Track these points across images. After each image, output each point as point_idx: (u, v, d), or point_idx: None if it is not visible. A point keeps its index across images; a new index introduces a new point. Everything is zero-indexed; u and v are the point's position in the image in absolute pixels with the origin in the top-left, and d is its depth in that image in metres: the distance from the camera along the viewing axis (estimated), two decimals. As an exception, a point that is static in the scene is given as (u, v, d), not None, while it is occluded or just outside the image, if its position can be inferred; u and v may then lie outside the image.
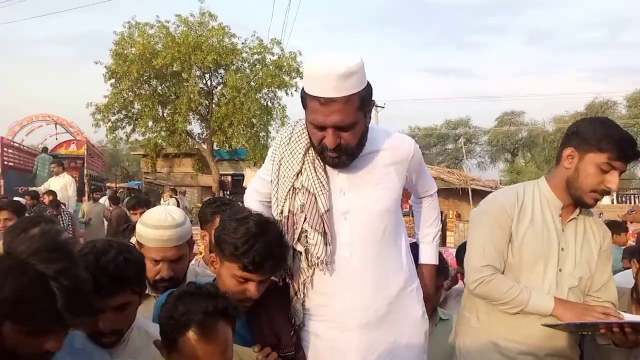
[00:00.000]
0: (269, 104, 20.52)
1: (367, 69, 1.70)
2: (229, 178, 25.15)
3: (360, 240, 1.79)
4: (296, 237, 1.79)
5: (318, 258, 1.75)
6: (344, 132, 1.68)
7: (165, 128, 20.18)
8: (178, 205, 13.94)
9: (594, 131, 1.82)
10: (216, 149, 21.81)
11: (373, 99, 1.74)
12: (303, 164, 1.80)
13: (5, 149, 14.43)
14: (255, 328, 1.82)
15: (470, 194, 13.57)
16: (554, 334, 1.84)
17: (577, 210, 1.93)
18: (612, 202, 18.44)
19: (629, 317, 1.69)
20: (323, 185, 1.78)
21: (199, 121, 21.40)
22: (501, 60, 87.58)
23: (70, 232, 8.80)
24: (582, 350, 2.05)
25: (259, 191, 2.03)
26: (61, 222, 8.81)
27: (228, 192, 23.25)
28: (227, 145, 20.49)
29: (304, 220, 1.77)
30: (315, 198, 1.77)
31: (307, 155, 1.81)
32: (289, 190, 1.81)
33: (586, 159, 1.82)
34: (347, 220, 1.79)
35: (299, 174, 1.80)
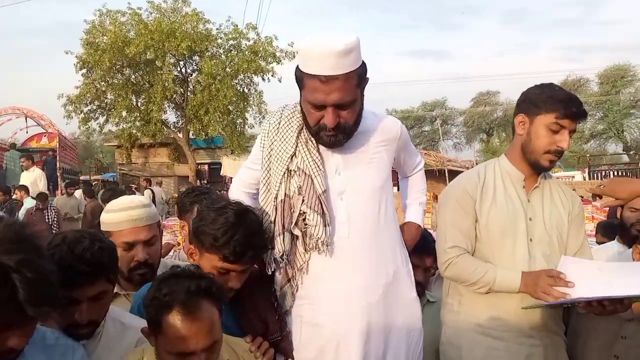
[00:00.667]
0: (246, 90, 20.31)
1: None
2: (206, 167, 24.91)
3: (357, 219, 1.79)
4: (294, 220, 1.77)
5: (318, 239, 1.74)
6: (342, 111, 1.69)
7: (139, 118, 19.84)
8: (153, 197, 13.78)
9: (540, 94, 1.89)
10: (192, 137, 21.55)
11: (367, 76, 1.75)
12: (296, 146, 1.80)
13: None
14: (241, 316, 1.81)
15: (447, 175, 13.72)
16: (536, 309, 1.86)
17: (540, 178, 1.97)
18: (584, 179, 18.83)
19: (599, 290, 1.70)
20: (318, 166, 1.78)
21: (174, 110, 21.11)
22: (478, 41, 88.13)
23: (56, 226, 8.70)
24: (567, 324, 2.07)
25: (245, 181, 2.02)
26: (46, 217, 8.68)
27: (205, 181, 23.05)
28: (203, 133, 20.25)
29: (302, 202, 1.76)
30: (312, 179, 1.77)
31: (299, 137, 1.81)
32: (284, 173, 1.80)
33: (536, 121, 1.88)
34: (343, 200, 1.80)
35: (293, 157, 1.80)
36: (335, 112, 1.68)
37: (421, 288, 2.29)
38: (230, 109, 19.63)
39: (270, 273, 1.85)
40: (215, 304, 1.49)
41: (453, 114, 43.97)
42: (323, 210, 1.75)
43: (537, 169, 1.94)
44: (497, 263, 1.90)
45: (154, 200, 14.26)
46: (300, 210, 1.77)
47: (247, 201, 1.91)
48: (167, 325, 1.42)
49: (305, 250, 1.78)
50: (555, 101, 1.84)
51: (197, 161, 22.21)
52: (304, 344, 1.81)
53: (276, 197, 1.81)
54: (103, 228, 1.97)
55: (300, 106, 1.78)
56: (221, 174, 18.45)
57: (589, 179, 19.05)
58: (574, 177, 18.88)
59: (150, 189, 15.01)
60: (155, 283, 1.52)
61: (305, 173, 1.77)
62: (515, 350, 1.88)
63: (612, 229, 3.16)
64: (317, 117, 1.71)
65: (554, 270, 1.79)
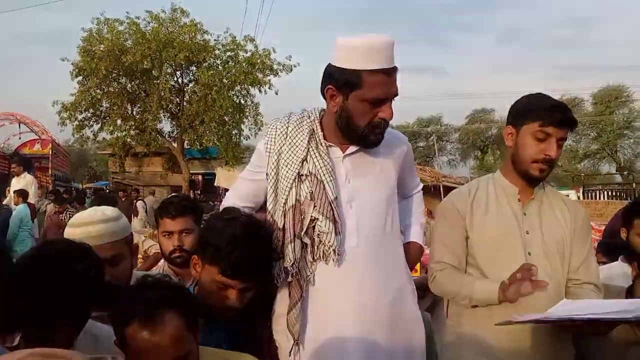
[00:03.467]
0: (242, 101, 20.24)
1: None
2: (200, 177, 24.80)
3: (366, 228, 1.76)
4: (305, 227, 1.72)
5: (330, 246, 1.69)
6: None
7: (134, 126, 19.72)
8: (146, 210, 13.58)
9: (526, 104, 1.89)
10: (187, 147, 21.45)
11: None
12: (308, 151, 1.77)
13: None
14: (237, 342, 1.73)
15: (442, 191, 13.69)
16: (536, 329, 1.78)
17: (535, 191, 1.93)
18: (579, 198, 18.85)
19: (559, 310, 1.62)
20: (330, 173, 1.75)
21: (170, 119, 20.97)
22: (472, 58, 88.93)
23: None
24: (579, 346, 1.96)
25: (243, 194, 1.94)
26: (63, 222, 8.46)
27: (199, 192, 22.93)
28: (198, 143, 20.17)
29: (313, 208, 1.72)
30: (324, 185, 1.73)
31: (310, 142, 1.79)
32: (295, 178, 1.75)
33: (522, 131, 1.87)
34: (352, 209, 1.76)
35: (304, 162, 1.77)
36: (390, 104, 1.71)
37: None
38: (226, 119, 19.55)
39: (278, 284, 1.78)
40: (182, 315, 1.39)
41: (448, 131, 44.11)
42: (334, 217, 1.71)
43: (528, 180, 1.90)
44: (495, 278, 1.82)
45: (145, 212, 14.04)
46: (311, 216, 1.72)
47: None
48: (129, 339, 1.36)
49: (314, 259, 1.73)
50: (540, 109, 1.82)
51: (191, 171, 22.06)
52: (305, 358, 1.74)
53: (285, 203, 1.75)
54: None
55: (341, 110, 1.73)
56: (215, 184, 18.33)
57: (583, 198, 19.07)
58: (568, 195, 18.81)
59: (140, 199, 14.75)
60: (122, 295, 1.46)
61: (317, 178, 1.74)
62: None
63: (614, 249, 3.09)
64: (371, 116, 1.70)
65: (527, 264, 1.70)
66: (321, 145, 1.79)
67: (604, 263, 3.19)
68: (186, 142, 20.84)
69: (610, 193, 20.85)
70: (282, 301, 1.81)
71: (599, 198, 19.81)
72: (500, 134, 40.06)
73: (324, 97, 1.78)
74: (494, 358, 1.83)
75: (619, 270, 2.45)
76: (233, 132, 20.21)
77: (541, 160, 1.83)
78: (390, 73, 1.67)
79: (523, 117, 1.86)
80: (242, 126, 20.37)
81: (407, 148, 1.95)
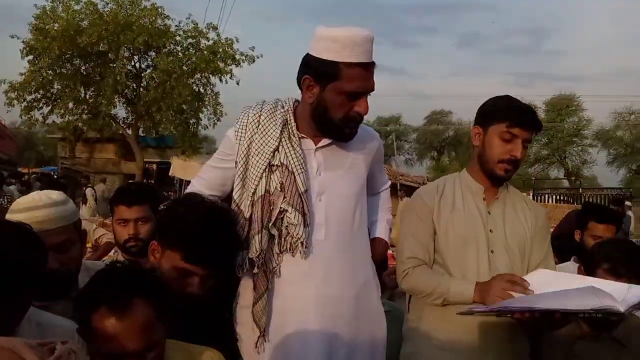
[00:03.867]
0: (201, 90, 19.85)
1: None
2: (154, 166, 24.16)
3: (334, 222, 1.76)
4: (273, 218, 1.70)
5: (298, 239, 1.68)
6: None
7: (87, 111, 19.03)
8: (95, 198, 13.17)
9: (494, 105, 1.93)
10: (142, 134, 20.87)
11: None
12: (280, 141, 1.75)
13: None
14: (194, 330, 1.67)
15: (398, 189, 13.88)
16: (493, 325, 1.81)
17: (500, 191, 1.98)
18: (529, 201, 19.46)
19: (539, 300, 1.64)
20: (302, 164, 1.73)
21: (125, 105, 20.36)
22: (432, 61, 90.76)
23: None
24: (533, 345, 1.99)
25: (210, 182, 1.88)
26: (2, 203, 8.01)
27: (153, 181, 22.36)
28: (154, 131, 19.65)
29: (283, 199, 1.70)
30: (294, 176, 1.72)
31: (283, 133, 1.77)
32: (265, 168, 1.73)
33: (489, 132, 1.90)
34: (322, 202, 1.76)
35: (276, 151, 1.75)
36: (366, 99, 1.70)
37: None
38: (184, 108, 19.13)
39: (240, 275, 1.76)
40: (153, 302, 1.34)
41: (407, 130, 44.81)
42: (304, 209, 1.70)
43: (494, 180, 1.94)
44: (460, 275, 1.86)
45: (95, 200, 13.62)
46: (280, 207, 1.70)
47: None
48: (95, 325, 1.30)
49: (280, 251, 1.72)
50: (507, 110, 1.87)
51: (145, 159, 21.48)
52: (269, 351, 1.73)
53: (254, 193, 1.73)
54: None
55: (317, 101, 1.70)
56: (170, 174, 17.92)
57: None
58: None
59: (90, 186, 14.25)
60: (90, 280, 1.40)
61: (288, 169, 1.72)
62: None
63: (566, 249, 3.16)
64: (348, 109, 1.69)
65: (517, 276, 1.75)
66: (294, 136, 1.77)
67: (556, 263, 3.29)
68: (141, 129, 20.29)
69: (558, 197, 21.71)
70: (245, 293, 1.78)
71: (548, 201, 20.58)
72: (456, 136, 41.16)
73: (300, 88, 1.76)
74: (452, 352, 1.86)
75: (571, 270, 2.54)
76: (191, 121, 19.85)
77: (507, 161, 1.87)
78: (368, 67, 1.67)
79: (491, 118, 1.90)
80: (201, 115, 20.03)
81: (378, 144, 1.94)
